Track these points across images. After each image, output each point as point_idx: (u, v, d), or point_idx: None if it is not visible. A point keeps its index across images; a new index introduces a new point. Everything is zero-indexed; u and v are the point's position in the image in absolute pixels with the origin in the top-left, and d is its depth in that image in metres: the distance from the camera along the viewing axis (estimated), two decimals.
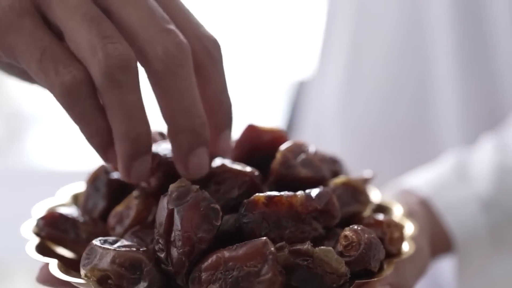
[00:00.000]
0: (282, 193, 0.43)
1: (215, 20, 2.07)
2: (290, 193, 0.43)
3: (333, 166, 0.52)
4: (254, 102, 2.10)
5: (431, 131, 0.90)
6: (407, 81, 0.91)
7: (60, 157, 2.18)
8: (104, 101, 0.40)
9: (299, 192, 0.43)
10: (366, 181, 0.52)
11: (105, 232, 0.46)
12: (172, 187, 0.41)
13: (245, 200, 0.43)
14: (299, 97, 1.19)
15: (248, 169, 0.45)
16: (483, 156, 0.68)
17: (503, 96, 0.84)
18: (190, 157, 0.42)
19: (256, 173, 0.45)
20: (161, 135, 0.51)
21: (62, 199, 0.52)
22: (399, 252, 0.46)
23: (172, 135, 0.42)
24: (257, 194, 0.43)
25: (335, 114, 0.97)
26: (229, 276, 0.39)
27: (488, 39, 0.85)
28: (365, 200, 0.49)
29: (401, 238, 0.46)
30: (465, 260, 0.64)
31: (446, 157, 0.70)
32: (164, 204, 0.41)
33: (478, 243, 0.63)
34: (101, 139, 0.41)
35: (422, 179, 0.65)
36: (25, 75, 0.43)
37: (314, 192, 0.44)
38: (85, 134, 0.41)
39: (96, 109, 0.40)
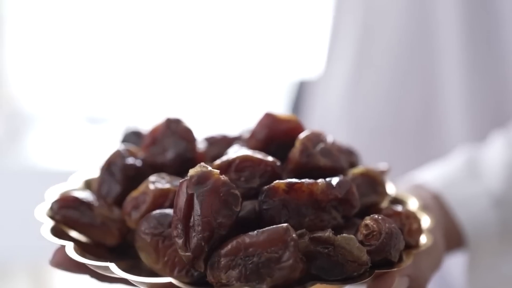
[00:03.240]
0: (302, 180, 0.42)
1: (223, 18, 2.07)
2: (311, 180, 0.42)
3: (350, 157, 0.51)
4: (258, 100, 2.09)
5: (438, 130, 0.89)
6: (415, 79, 0.90)
7: (60, 157, 2.16)
8: None
9: (320, 180, 0.42)
10: (382, 173, 0.51)
11: (120, 217, 0.46)
12: (192, 171, 0.40)
13: (265, 187, 0.42)
14: (303, 95, 1.18)
15: (270, 158, 0.44)
16: (493, 153, 0.68)
17: (510, 93, 0.84)
18: None
19: (278, 163, 0.44)
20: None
21: (75, 184, 0.52)
22: (417, 244, 0.45)
23: None
24: (277, 181, 0.42)
25: (342, 112, 0.96)
26: (249, 262, 0.38)
27: (495, 36, 0.85)
28: (383, 191, 0.48)
29: (420, 230, 0.46)
30: (476, 256, 0.63)
31: (457, 154, 0.70)
32: (183, 189, 0.40)
33: (488, 238, 0.63)
34: None
35: (434, 175, 0.65)
36: None
37: (335, 180, 0.43)
38: None
39: None
